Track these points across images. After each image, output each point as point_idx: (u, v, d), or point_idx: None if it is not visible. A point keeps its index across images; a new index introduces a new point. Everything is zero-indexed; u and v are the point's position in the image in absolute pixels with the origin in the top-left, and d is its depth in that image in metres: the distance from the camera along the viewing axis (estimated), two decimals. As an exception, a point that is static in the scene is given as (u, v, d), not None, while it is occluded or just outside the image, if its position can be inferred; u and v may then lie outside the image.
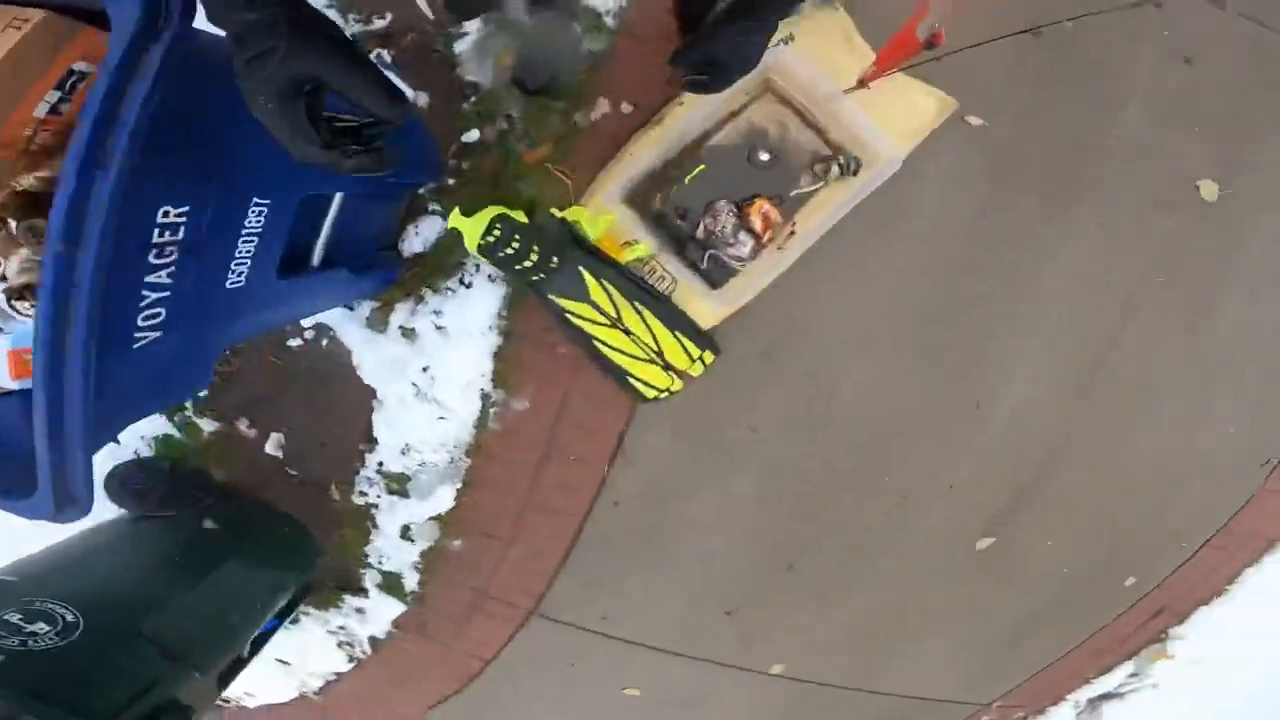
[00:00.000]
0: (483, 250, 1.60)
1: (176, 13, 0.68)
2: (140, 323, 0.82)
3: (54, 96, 0.83)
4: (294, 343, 1.94)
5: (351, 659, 2.35)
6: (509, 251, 1.57)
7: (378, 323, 1.83)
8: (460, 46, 1.73)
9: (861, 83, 1.46)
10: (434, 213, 1.80)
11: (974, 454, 2.08)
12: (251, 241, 1.05)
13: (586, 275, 1.63)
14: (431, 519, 1.96)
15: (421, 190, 1.80)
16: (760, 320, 1.87)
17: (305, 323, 1.93)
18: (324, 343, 1.91)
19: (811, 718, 2.73)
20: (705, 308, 1.73)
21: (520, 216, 1.61)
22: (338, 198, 1.43)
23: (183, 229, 0.82)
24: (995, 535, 2.25)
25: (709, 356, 1.78)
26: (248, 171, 0.97)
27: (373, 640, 2.26)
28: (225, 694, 2.71)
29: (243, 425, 1.99)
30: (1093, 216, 1.90)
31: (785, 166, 1.66)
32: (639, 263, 1.71)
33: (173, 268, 0.84)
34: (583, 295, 1.65)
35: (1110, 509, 2.28)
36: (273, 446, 1.98)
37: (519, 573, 2.06)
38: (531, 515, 1.96)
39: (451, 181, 1.78)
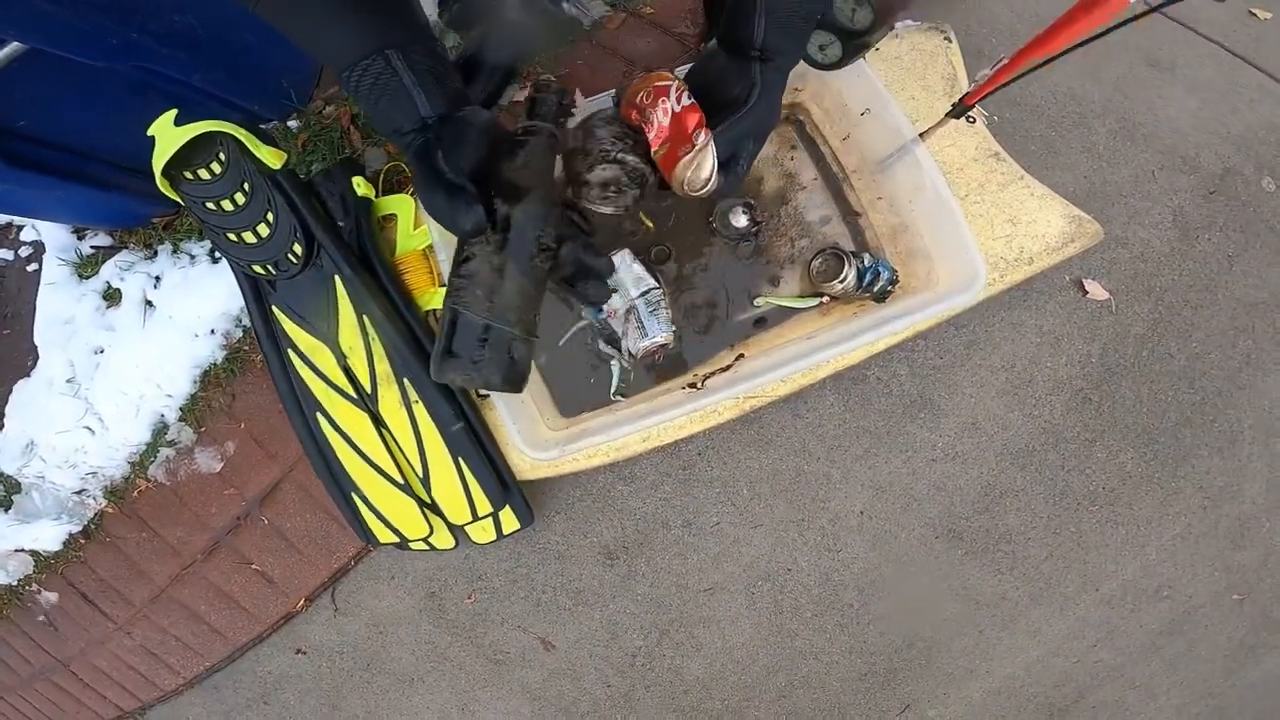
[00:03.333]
0: (176, 186, 0.96)
1: None
2: None
3: None
4: (3, 253, 1.34)
5: None
6: (222, 205, 0.92)
7: (87, 265, 1.21)
8: None
9: (962, 104, 0.72)
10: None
11: None
12: None
13: (343, 296, 0.97)
14: (25, 552, 1.25)
15: (267, 125, 1.23)
16: (619, 501, 1.17)
17: (27, 234, 1.34)
18: (31, 268, 1.31)
19: None
20: (523, 447, 0.98)
21: (269, 158, 0.96)
22: (11, 46, 0.87)
23: None
24: None
25: (510, 521, 1.07)
26: None
27: None
28: None
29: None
30: (1199, 495, 1.22)
31: (767, 247, 1.00)
32: (437, 308, 1.04)
33: None
34: (326, 329, 0.98)
35: None
36: (-103, 369, 1.34)
37: (123, 668, 1.32)
38: (167, 612, 1.24)
39: (294, 124, 1.21)
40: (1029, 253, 0.98)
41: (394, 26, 0.49)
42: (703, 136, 0.51)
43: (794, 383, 0.99)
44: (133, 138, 1.12)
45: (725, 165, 0.53)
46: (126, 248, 1.21)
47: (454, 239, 0.53)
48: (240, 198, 0.93)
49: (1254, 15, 1.37)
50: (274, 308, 0.99)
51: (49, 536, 1.20)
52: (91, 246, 1.23)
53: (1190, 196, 1.21)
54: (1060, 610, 1.25)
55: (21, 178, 1.03)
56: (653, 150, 0.56)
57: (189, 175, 0.93)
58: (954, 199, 0.83)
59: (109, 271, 1.18)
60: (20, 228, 1.36)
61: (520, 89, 1.23)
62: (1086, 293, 1.18)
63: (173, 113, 0.93)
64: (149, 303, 1.14)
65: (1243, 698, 1.37)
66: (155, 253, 1.18)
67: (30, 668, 1.36)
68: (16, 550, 1.23)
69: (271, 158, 0.95)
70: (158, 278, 1.15)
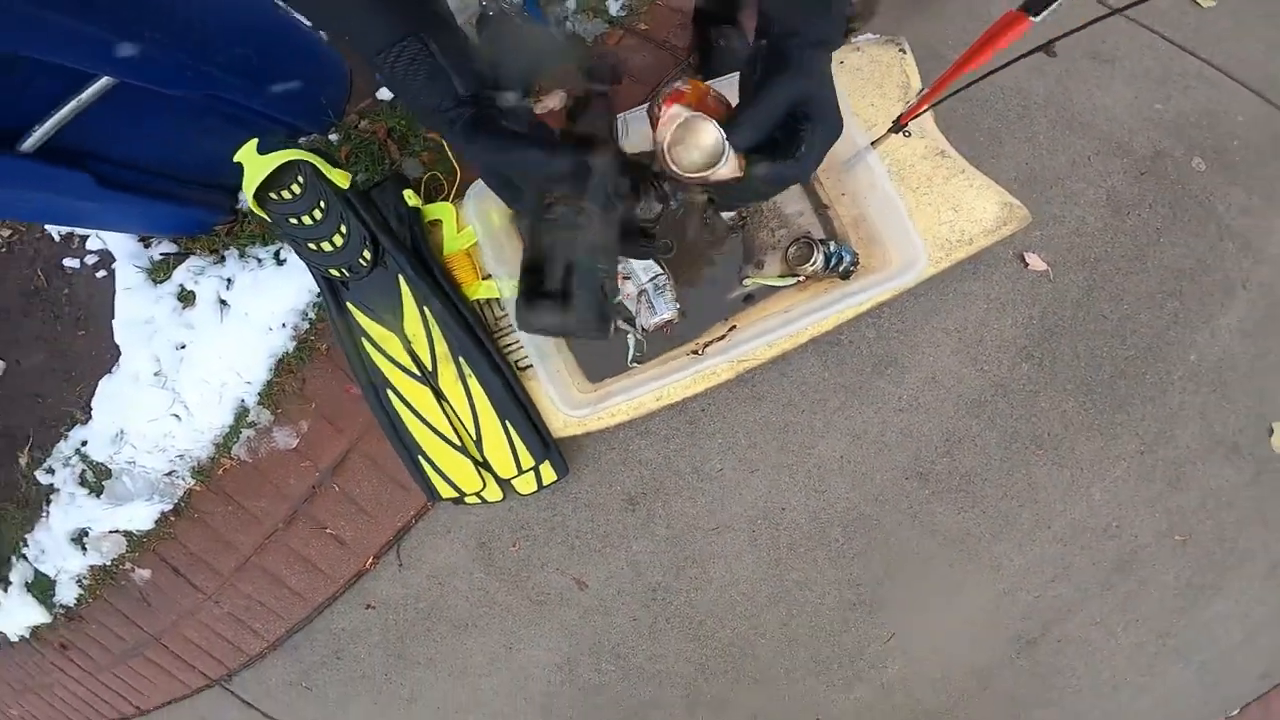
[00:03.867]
0: (265, 206, 1.14)
1: None
2: None
3: None
4: (71, 263, 1.49)
5: (-29, 644, 1.74)
6: (303, 220, 1.11)
7: (159, 271, 1.38)
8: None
9: (899, 123, 0.90)
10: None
11: (864, 688, 1.54)
12: None
13: (406, 292, 1.16)
14: (119, 533, 1.42)
15: (302, 139, 1.40)
16: (637, 453, 1.38)
17: (93, 243, 1.49)
18: (100, 275, 1.46)
19: None
20: (561, 409, 1.20)
21: (339, 179, 1.15)
22: (102, 82, 1.02)
23: None
24: None
25: (548, 473, 1.28)
26: None
27: (2, 637, 1.67)
28: None
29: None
30: (1135, 440, 1.43)
31: (748, 239, 1.21)
32: (494, 310, 1.24)
33: None
34: (393, 320, 1.17)
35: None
36: (-26, 372, 1.49)
37: (212, 636, 1.49)
38: (251, 578, 1.42)
39: (335, 138, 1.38)
40: (969, 235, 1.20)
41: (423, 12, 0.51)
42: (675, 109, 0.50)
43: (779, 347, 1.20)
44: (198, 155, 1.29)
45: (768, 149, 0.51)
46: (193, 254, 1.38)
47: (494, 234, 0.64)
48: (318, 213, 1.11)
49: (1196, 4, 1.47)
50: (348, 303, 1.17)
51: (141, 516, 1.37)
52: (160, 253, 1.39)
53: (1123, 177, 1.41)
54: (1018, 546, 1.46)
55: (110, 196, 1.19)
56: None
57: (274, 196, 1.11)
58: (898, 195, 1.05)
59: (181, 276, 1.35)
60: (85, 238, 1.51)
61: (535, 101, 1.41)
62: (1028, 264, 1.40)
63: (254, 142, 1.11)
64: (223, 302, 1.32)
65: (1197, 638, 1.57)
66: (223, 258, 1.35)
67: (124, 644, 1.53)
68: (110, 532, 1.40)
69: (340, 178, 1.13)
70: (229, 280, 1.32)
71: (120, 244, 1.43)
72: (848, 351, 1.37)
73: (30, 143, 1.02)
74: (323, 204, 1.10)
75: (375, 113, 1.39)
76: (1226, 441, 1.45)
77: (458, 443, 1.23)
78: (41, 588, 1.51)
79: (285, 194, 1.11)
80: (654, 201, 0.58)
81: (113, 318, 1.40)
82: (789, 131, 0.50)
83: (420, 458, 1.23)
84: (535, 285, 0.53)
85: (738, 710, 1.54)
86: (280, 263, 1.32)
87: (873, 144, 1.00)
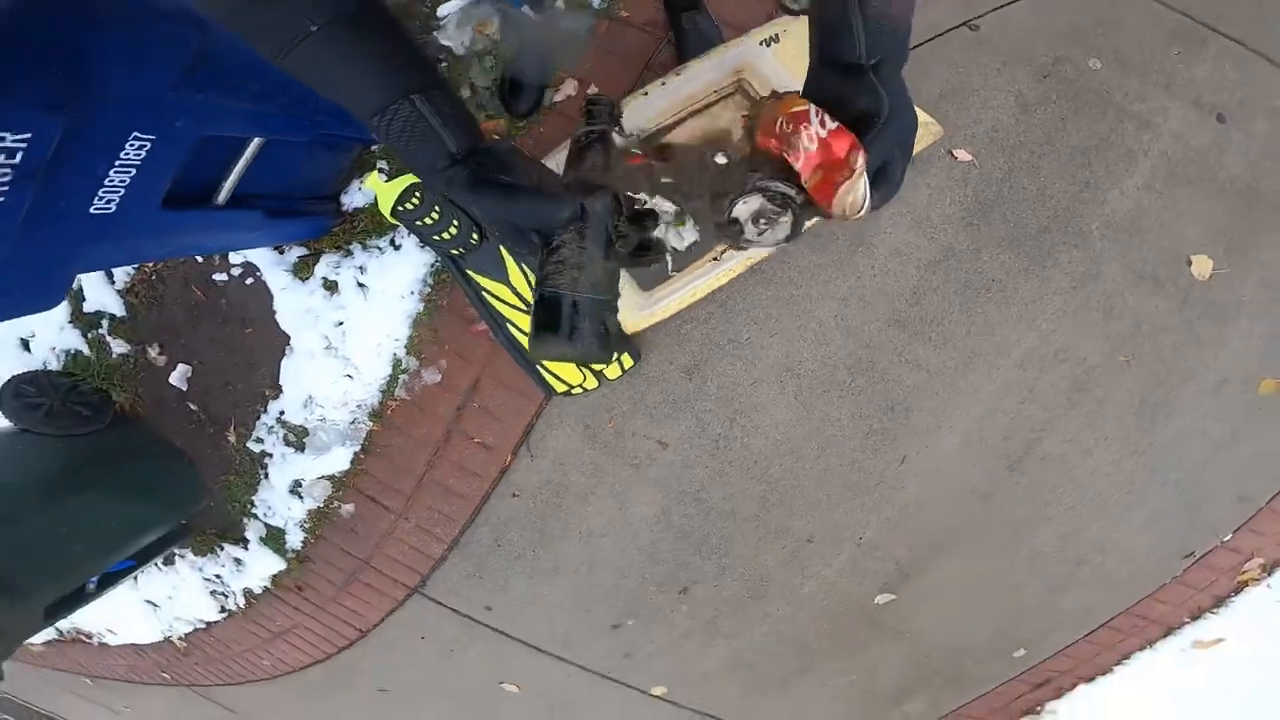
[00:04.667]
0: (396, 215, 1.57)
1: None
2: None
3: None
4: (220, 277, 1.90)
5: (223, 610, 2.30)
6: (426, 222, 1.54)
7: (302, 269, 1.80)
8: (445, 9, 1.71)
9: None
10: (382, 170, 1.78)
11: (890, 508, 2.05)
12: (128, 172, 1.02)
13: (508, 256, 1.61)
14: (324, 478, 1.92)
15: (374, 147, 1.79)
16: (687, 335, 1.86)
17: (234, 258, 1.89)
18: (249, 281, 1.88)
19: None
20: (630, 311, 1.71)
21: None
22: (255, 141, 1.40)
23: (20, 154, 0.81)
24: (895, 593, 2.23)
25: (627, 360, 1.77)
26: (127, 108, 0.95)
27: (247, 593, 2.21)
28: (86, 628, 2.64)
29: (154, 351, 1.94)
30: (1067, 279, 1.83)
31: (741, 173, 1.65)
32: None
33: (6, 186, 0.82)
34: (502, 276, 1.63)
35: (1016, 579, 2.27)
36: (179, 378, 1.93)
37: (406, 548, 2.02)
38: (427, 492, 1.92)
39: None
40: None
41: (414, 74, 0.53)
42: (860, 159, 0.51)
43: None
44: (313, 176, 1.70)
45: (875, 181, 0.53)
46: (324, 252, 1.79)
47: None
48: (435, 214, 1.54)
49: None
50: (468, 270, 1.63)
51: (339, 460, 1.86)
52: (296, 257, 1.81)
53: (1028, 82, 1.75)
54: (987, 374, 1.86)
55: (271, 223, 1.60)
56: (804, 179, 0.56)
57: (402, 208, 1.54)
58: None
59: (322, 270, 1.78)
60: (227, 255, 1.92)
61: (554, 92, 1.78)
62: (956, 158, 1.79)
63: (375, 172, 1.53)
64: (361, 285, 1.75)
65: (1166, 456, 1.93)
66: (350, 251, 1.77)
67: (343, 573, 2.05)
68: (318, 479, 1.89)
69: None
70: (362, 267, 1.75)
71: (261, 256, 1.84)
72: (828, 237, 1.83)
73: (222, 197, 1.42)
74: (438, 207, 1.54)
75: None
76: (1148, 275, 1.85)
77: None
78: (275, 539, 2.02)
79: (409, 205, 1.53)
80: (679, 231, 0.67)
81: (274, 313, 1.83)
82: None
83: (539, 368, 1.72)
84: (544, 320, 0.57)
85: (795, 535, 2.06)
86: (396, 247, 1.75)
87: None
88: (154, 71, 0.97)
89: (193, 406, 1.96)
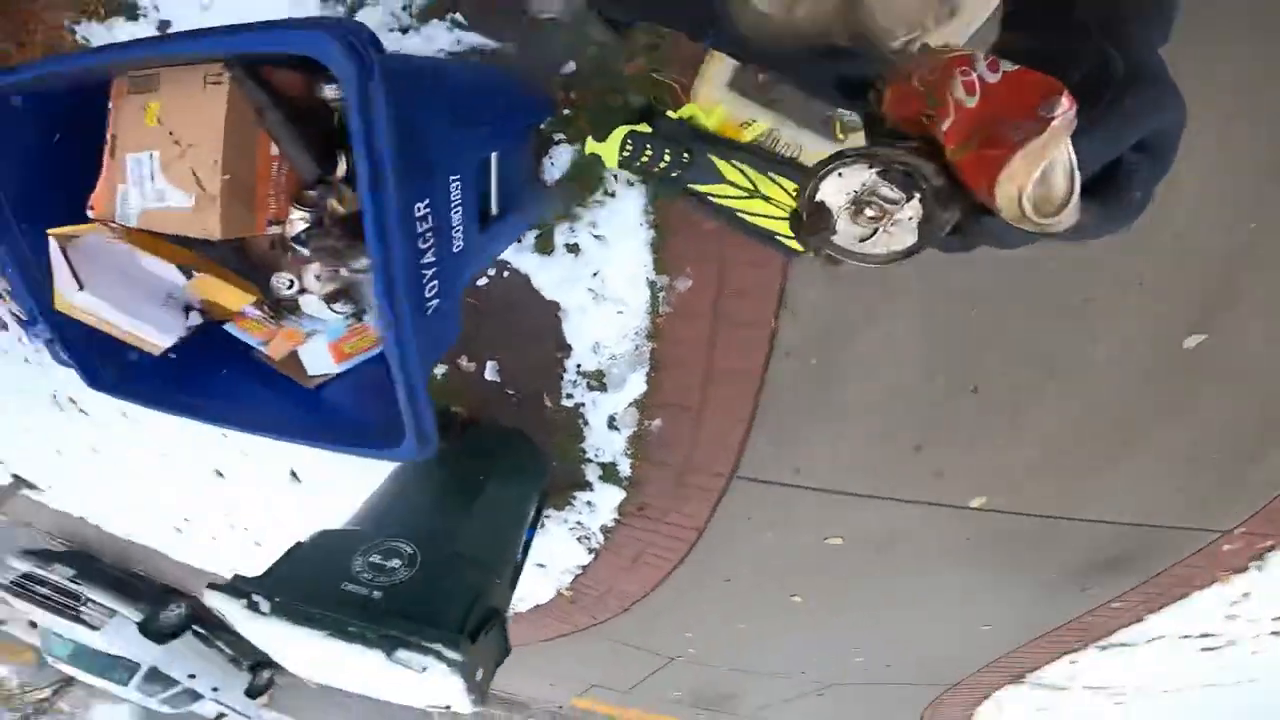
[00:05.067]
0: (623, 164, 1.79)
1: (370, 48, 0.89)
2: (427, 294, 1.10)
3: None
4: (481, 282, 2.30)
5: (590, 550, 2.80)
6: (644, 159, 1.74)
7: (544, 246, 2.11)
8: None
9: None
10: (559, 142, 1.98)
11: (1164, 239, 1.82)
12: (458, 210, 1.28)
13: (718, 161, 1.76)
14: (630, 405, 2.26)
15: (541, 126, 2.03)
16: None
17: (485, 262, 2.28)
18: (505, 275, 2.24)
19: (1019, 552, 2.72)
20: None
21: (644, 128, 1.76)
22: (494, 156, 1.66)
23: (430, 215, 1.07)
24: (1206, 331, 2.00)
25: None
26: (443, 157, 1.19)
27: (604, 529, 2.67)
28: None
29: (463, 361, 2.41)
30: None
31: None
32: (761, 137, 1.81)
33: (433, 246, 1.10)
34: (719, 179, 1.78)
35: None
36: (491, 373, 2.38)
37: (713, 440, 2.31)
38: (715, 382, 2.18)
39: (567, 112, 1.98)
40: None
41: None
42: (1063, 107, 0.33)
43: None
44: (519, 169, 1.96)
45: (1097, 190, 0.36)
46: (553, 226, 2.08)
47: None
48: (649, 150, 1.73)
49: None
50: (691, 185, 1.81)
51: (636, 385, 2.19)
52: (534, 239, 2.12)
53: None
54: None
55: (523, 225, 1.90)
56: (950, 151, 0.38)
57: (624, 155, 1.75)
58: None
59: (560, 240, 2.07)
60: (483, 268, 2.31)
61: None
62: None
63: (589, 139, 1.76)
64: (598, 237, 2.02)
65: None
66: (577, 216, 2.04)
67: (670, 481, 2.38)
68: (626, 407, 2.24)
69: (645, 127, 1.75)
70: (593, 223, 2.01)
71: (506, 253, 2.19)
72: None
73: (495, 207, 1.71)
74: (648, 145, 1.73)
75: (572, 85, 1.93)
76: None
77: (788, 216, 1.84)
78: (610, 473, 2.44)
79: (627, 151, 1.75)
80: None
81: (537, 290, 2.17)
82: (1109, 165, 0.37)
83: (777, 238, 1.86)
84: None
85: (1072, 298, 1.93)
86: (611, 195, 1.98)
87: None
88: (440, 120, 1.20)
89: (510, 392, 2.40)
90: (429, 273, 1.13)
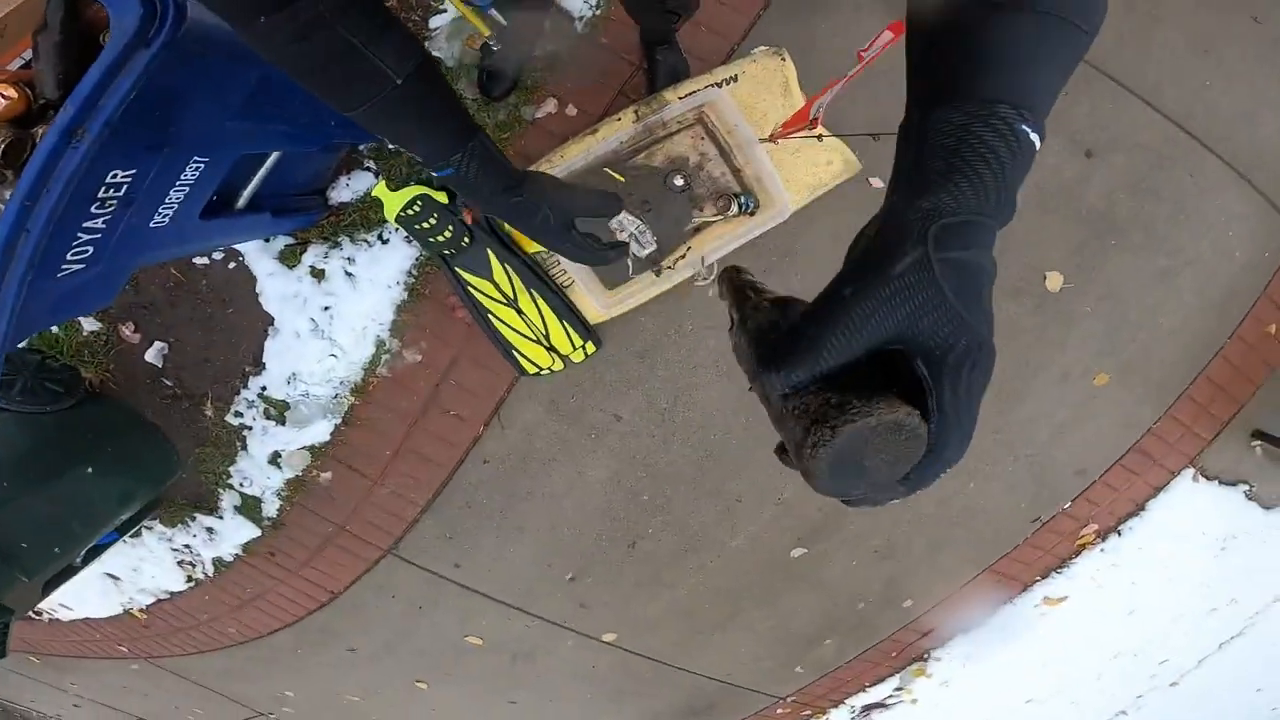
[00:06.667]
0: (400, 221, 1.76)
1: (169, 25, 0.81)
2: (68, 258, 0.96)
3: (28, 54, 0.92)
4: (200, 261, 1.99)
5: (190, 579, 2.40)
6: (425, 226, 1.74)
7: (289, 257, 1.93)
8: (437, 21, 1.87)
9: (771, 137, 1.61)
10: (367, 169, 1.92)
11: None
12: (183, 190, 1.17)
13: (493, 258, 1.82)
14: (304, 449, 2.07)
15: (361, 146, 1.93)
16: (641, 326, 2.13)
17: (214, 242, 1.99)
18: (231, 265, 1.98)
19: (632, 686, 3.02)
20: (594, 306, 1.91)
21: (441, 198, 1.78)
22: (275, 155, 1.54)
23: (125, 187, 0.95)
24: (808, 547, 2.62)
25: (591, 348, 2.02)
26: (196, 138, 1.09)
27: (217, 562, 2.33)
28: (40, 604, 2.64)
29: (127, 330, 2.01)
30: None
31: (694, 195, 1.91)
32: (542, 254, 1.91)
33: (109, 215, 0.97)
34: (486, 274, 1.83)
35: (904, 538, 2.72)
36: (154, 355, 2.02)
37: (381, 513, 2.20)
38: (403, 460, 2.11)
39: (392, 146, 1.92)
40: (824, 180, 1.92)
41: (467, 115, 0.60)
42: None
43: (715, 257, 1.96)
44: (308, 175, 1.83)
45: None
46: (311, 242, 1.93)
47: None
48: (433, 219, 1.73)
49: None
50: (456, 268, 1.82)
51: (319, 431, 2.01)
52: (284, 245, 1.94)
53: None
54: None
55: (273, 220, 1.74)
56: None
57: (404, 214, 1.72)
58: (773, 166, 1.76)
59: (310, 259, 1.91)
60: (206, 244, 2.01)
61: (535, 109, 1.98)
62: (872, 185, 2.11)
63: (382, 182, 1.69)
64: (349, 274, 1.91)
65: (1018, 435, 2.46)
66: (339, 243, 1.91)
67: (317, 538, 2.19)
68: (299, 449, 2.03)
69: (442, 197, 1.75)
70: (350, 258, 1.90)
71: (246, 243, 1.95)
72: (764, 249, 2.14)
73: (241, 203, 1.56)
74: (435, 214, 1.73)
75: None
76: (1009, 288, 2.22)
77: (533, 336, 1.95)
78: (250, 508, 2.15)
79: (411, 212, 1.73)
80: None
81: (258, 295, 1.95)
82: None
83: (513, 351, 1.94)
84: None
85: (727, 495, 2.40)
86: (384, 242, 1.91)
87: (761, 140, 1.71)
88: (221, 106, 1.12)
89: (168, 382, 2.04)
90: (84, 238, 0.99)
